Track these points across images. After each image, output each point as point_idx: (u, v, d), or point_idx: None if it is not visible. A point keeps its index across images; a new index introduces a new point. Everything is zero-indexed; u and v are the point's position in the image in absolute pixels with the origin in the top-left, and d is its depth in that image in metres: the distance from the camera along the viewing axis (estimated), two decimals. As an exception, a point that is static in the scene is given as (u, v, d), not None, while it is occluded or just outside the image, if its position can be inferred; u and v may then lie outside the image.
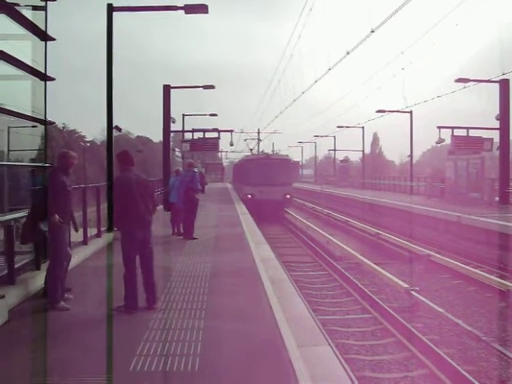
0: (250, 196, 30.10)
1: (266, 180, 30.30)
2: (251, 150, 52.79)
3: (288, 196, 31.18)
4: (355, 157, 75.23)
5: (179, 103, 32.17)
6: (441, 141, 27.86)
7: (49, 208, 6.67)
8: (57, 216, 6.68)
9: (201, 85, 27.68)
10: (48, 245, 7.02)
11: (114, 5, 13.47)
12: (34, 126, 8.80)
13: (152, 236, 7.05)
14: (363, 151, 55.71)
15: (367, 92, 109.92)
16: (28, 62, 8.08)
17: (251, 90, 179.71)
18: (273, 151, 48.90)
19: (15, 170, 9.00)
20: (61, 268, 6.87)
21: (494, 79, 23.73)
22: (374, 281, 13.70)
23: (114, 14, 13.47)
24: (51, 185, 6.81)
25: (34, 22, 8.14)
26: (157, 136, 72.33)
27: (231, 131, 34.61)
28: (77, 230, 7.85)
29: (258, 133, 56.46)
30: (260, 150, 47.63)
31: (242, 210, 23.23)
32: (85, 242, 11.04)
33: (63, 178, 6.89)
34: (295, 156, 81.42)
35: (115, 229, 12.57)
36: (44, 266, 7.45)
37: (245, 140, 56.42)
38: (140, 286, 6.77)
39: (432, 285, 13.35)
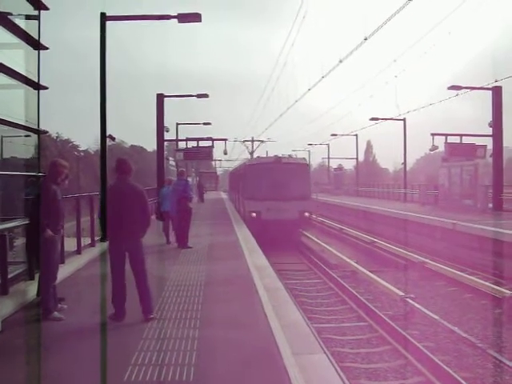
0: (254, 214, 22.76)
1: (277, 192, 22.75)
2: (251, 153, 51.17)
3: (306, 214, 23.51)
4: (349, 165, 75.34)
5: (173, 112, 31.77)
6: (434, 148, 27.95)
7: (42, 220, 6.60)
8: (49, 231, 6.62)
9: (194, 94, 27.57)
10: (40, 256, 6.94)
11: (108, 14, 13.48)
12: (27, 136, 8.76)
13: (142, 247, 6.87)
14: (357, 159, 55.85)
15: (360, 100, 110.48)
16: (21, 71, 8.05)
17: (245, 99, 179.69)
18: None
19: (8, 180, 8.93)
20: (53, 278, 6.81)
21: (487, 86, 23.89)
22: (370, 289, 13.69)
23: (108, 23, 13.47)
24: (43, 195, 6.73)
25: (27, 31, 8.12)
26: (150, 145, 72.27)
27: (225, 140, 34.03)
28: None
29: (252, 141, 56.12)
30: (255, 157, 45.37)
31: (235, 217, 23.20)
32: (78, 252, 11.02)
33: (54, 188, 6.77)
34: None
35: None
36: (38, 276, 7.38)
37: (243, 141, 53.43)
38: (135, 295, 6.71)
39: (427, 292, 13.36)
